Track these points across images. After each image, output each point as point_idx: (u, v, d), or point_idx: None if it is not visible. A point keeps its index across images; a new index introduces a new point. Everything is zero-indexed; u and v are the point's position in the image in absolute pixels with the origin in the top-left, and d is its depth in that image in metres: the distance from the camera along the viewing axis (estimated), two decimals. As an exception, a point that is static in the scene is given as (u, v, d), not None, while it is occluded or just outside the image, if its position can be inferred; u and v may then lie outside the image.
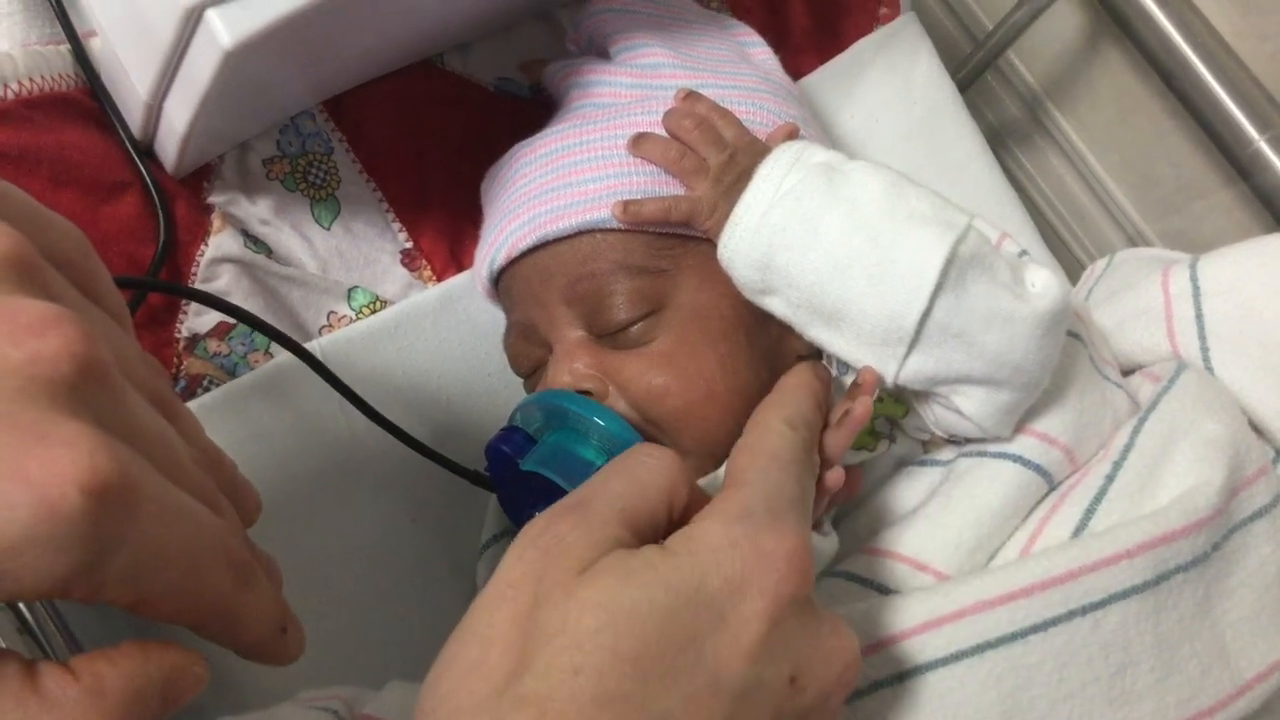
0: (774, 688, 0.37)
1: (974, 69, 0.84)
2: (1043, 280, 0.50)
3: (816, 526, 0.50)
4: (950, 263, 0.48)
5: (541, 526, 0.38)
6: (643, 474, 0.40)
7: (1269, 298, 0.57)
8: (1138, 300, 0.62)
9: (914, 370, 0.50)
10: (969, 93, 0.88)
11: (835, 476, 0.47)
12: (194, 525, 0.33)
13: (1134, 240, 0.84)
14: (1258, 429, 0.56)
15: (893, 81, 0.78)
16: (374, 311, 0.66)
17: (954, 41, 0.91)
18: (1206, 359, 0.58)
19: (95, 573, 0.29)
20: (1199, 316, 0.59)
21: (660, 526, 0.39)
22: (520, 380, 0.61)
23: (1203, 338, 0.58)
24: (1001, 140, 0.93)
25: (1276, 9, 0.70)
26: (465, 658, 0.36)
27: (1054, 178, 0.90)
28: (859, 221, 0.50)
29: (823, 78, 0.76)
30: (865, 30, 0.78)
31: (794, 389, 0.48)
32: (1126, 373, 0.60)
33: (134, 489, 0.30)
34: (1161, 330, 0.60)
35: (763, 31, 0.70)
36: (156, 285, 0.57)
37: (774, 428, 0.44)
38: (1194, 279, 0.60)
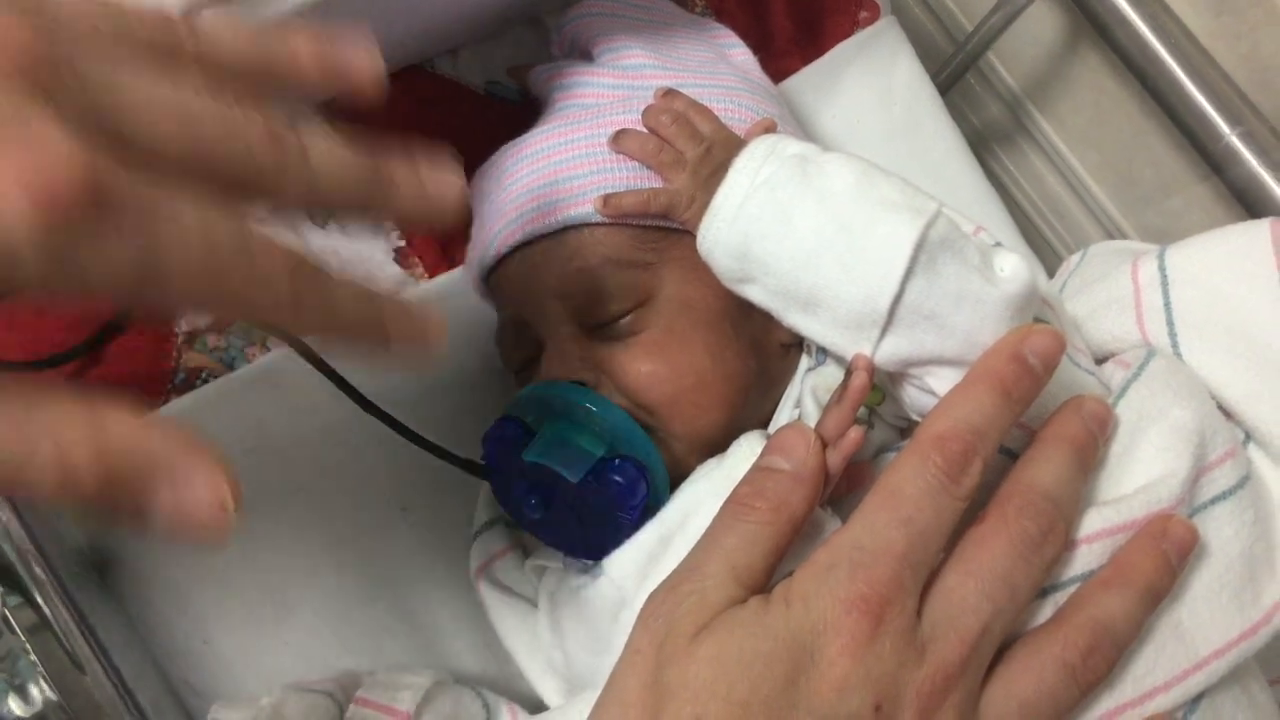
0: (860, 714, 0.41)
1: (955, 70, 0.85)
2: (1011, 264, 0.51)
3: None
4: (920, 247, 0.49)
5: (663, 595, 0.43)
6: (751, 528, 0.44)
7: (1235, 285, 0.57)
8: (1109, 290, 0.62)
9: (888, 352, 0.51)
10: (952, 94, 0.89)
11: (838, 460, 0.48)
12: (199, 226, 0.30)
13: (1113, 235, 0.84)
14: (1227, 411, 0.56)
15: (873, 83, 0.79)
16: None
17: (935, 43, 0.92)
18: (1175, 345, 0.58)
19: (69, 280, 0.27)
20: (1167, 304, 0.59)
21: (771, 568, 0.44)
22: (509, 376, 0.62)
23: (1170, 324, 0.58)
24: (984, 141, 0.94)
25: (1248, 9, 0.71)
26: (611, 713, 0.42)
27: (1035, 177, 0.91)
28: (832, 210, 0.51)
29: (805, 79, 0.78)
30: (846, 33, 0.80)
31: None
32: (1100, 360, 0.61)
33: (100, 192, 0.27)
34: (1131, 318, 0.60)
35: (746, 35, 0.71)
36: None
37: (909, 460, 0.45)
38: (1162, 268, 0.60)
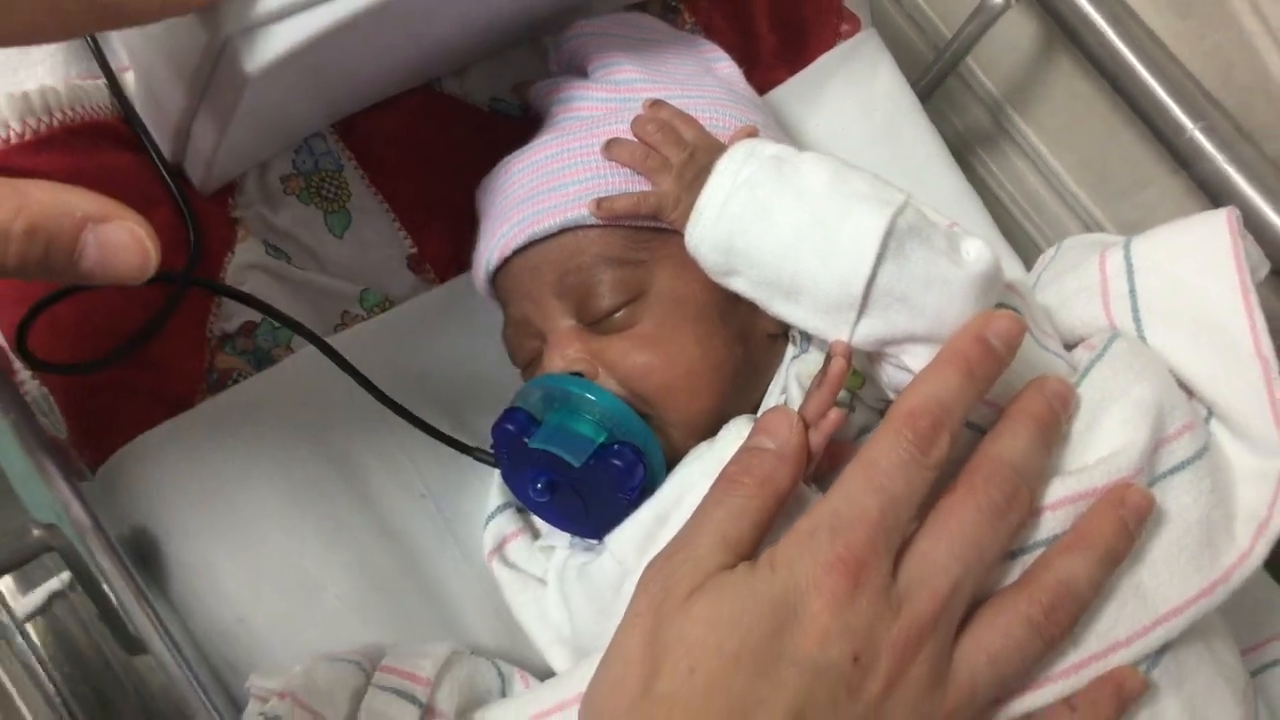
0: (841, 666, 0.44)
1: (935, 76, 0.88)
2: (976, 248, 0.54)
3: None
4: (889, 234, 0.52)
5: (660, 564, 0.47)
6: (739, 502, 0.48)
7: (1196, 271, 0.60)
8: (1078, 280, 0.65)
9: (865, 333, 0.54)
10: (935, 100, 0.92)
11: (819, 439, 0.51)
12: None
13: (1090, 229, 0.87)
14: (1189, 390, 0.59)
15: (855, 92, 0.82)
16: (384, 310, 0.70)
17: (917, 51, 0.95)
18: (1140, 329, 0.61)
19: None
20: (1132, 291, 0.62)
21: (759, 538, 0.48)
22: (517, 370, 0.65)
23: (1135, 310, 0.61)
24: (968, 144, 0.97)
25: (1211, 9, 0.74)
26: (612, 675, 0.46)
27: (1017, 176, 0.94)
28: (808, 204, 0.54)
29: (790, 90, 0.80)
30: (828, 45, 0.82)
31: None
32: (1070, 346, 0.63)
33: None
34: (1099, 305, 0.63)
35: (734, 49, 0.74)
36: (197, 281, 0.62)
37: (884, 435, 0.48)
38: (1128, 258, 0.63)
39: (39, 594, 0.60)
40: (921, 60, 0.90)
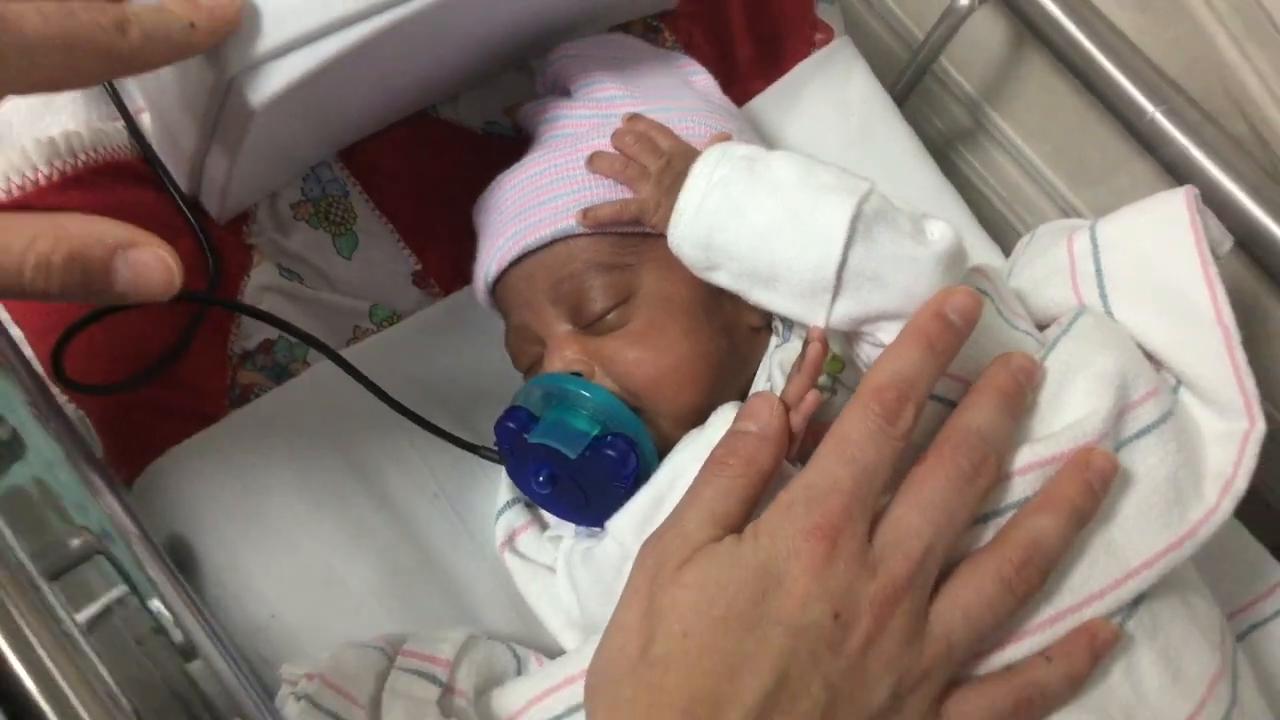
0: (822, 624, 0.47)
1: (911, 77, 0.90)
2: (939, 228, 0.57)
3: None
4: (857, 218, 0.55)
5: (654, 541, 0.50)
6: (725, 481, 0.51)
7: (1157, 248, 0.61)
8: (1049, 263, 0.67)
9: (841, 313, 0.56)
10: (915, 101, 0.94)
11: (799, 420, 0.54)
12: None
13: (1069, 215, 0.89)
14: (1157, 361, 0.61)
15: (831, 97, 0.85)
16: (392, 324, 0.73)
17: (894, 54, 0.98)
18: (1107, 305, 0.63)
19: None
20: (1098, 270, 0.63)
21: (746, 514, 0.50)
22: (518, 374, 0.68)
23: (1101, 287, 0.63)
24: (949, 141, 0.99)
25: (1168, 3, 0.76)
26: (613, 644, 0.49)
27: (997, 169, 0.96)
28: (779, 198, 0.57)
29: (769, 98, 0.83)
30: (803, 55, 0.85)
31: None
32: (1043, 326, 0.65)
33: None
34: (1068, 285, 0.65)
35: (713, 63, 0.78)
36: (218, 301, 0.66)
37: (853, 410, 0.51)
38: (1093, 239, 0.64)
39: (95, 605, 0.63)
40: (898, 63, 0.93)
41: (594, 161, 0.64)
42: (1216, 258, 0.62)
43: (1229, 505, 0.55)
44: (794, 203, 0.57)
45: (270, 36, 0.52)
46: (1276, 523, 0.85)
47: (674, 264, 0.61)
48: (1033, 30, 0.82)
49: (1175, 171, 0.75)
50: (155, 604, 0.51)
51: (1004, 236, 0.88)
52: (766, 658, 0.46)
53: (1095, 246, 0.65)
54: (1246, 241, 0.71)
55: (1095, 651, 0.52)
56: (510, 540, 0.69)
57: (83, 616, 0.57)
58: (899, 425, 0.50)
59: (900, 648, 0.48)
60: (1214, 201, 0.71)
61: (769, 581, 0.47)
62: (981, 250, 0.84)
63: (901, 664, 0.48)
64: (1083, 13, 0.79)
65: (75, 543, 0.51)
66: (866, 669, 0.48)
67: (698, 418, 0.62)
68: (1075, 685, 0.52)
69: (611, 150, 0.64)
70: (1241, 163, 0.73)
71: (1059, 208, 0.92)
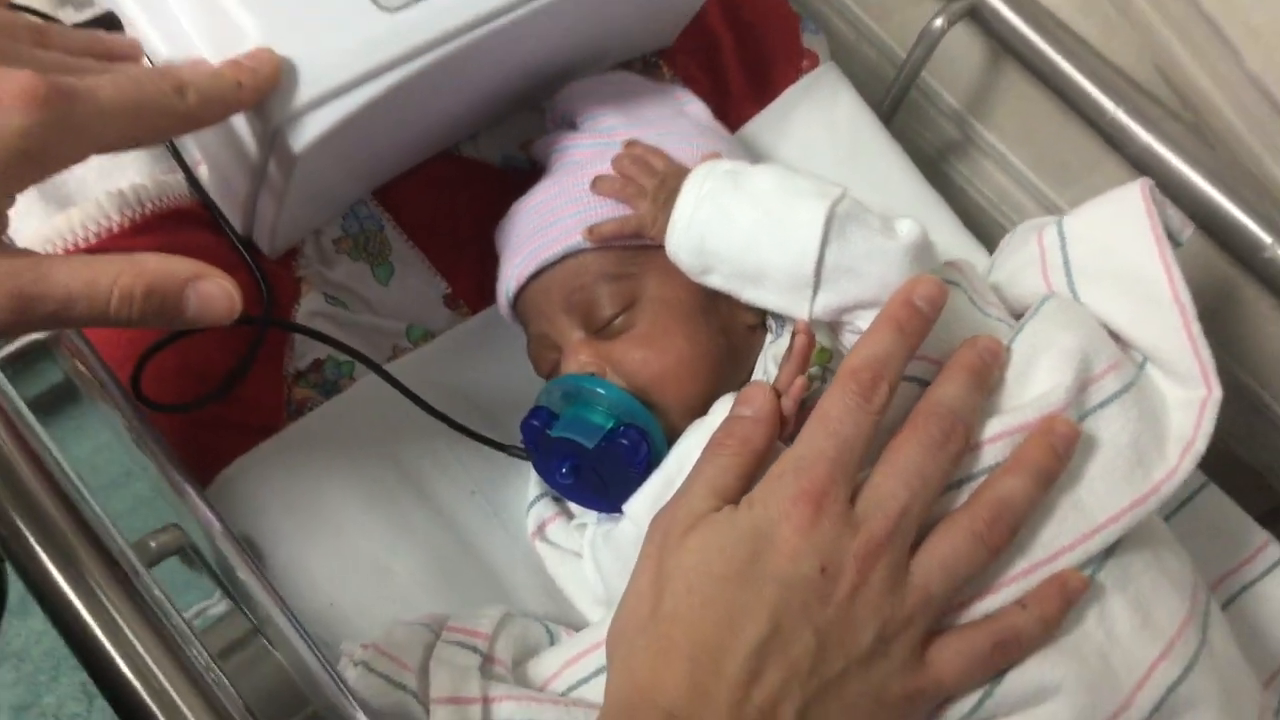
0: (810, 576, 0.51)
1: (896, 94, 0.94)
2: (907, 225, 0.62)
3: None
4: (830, 219, 0.60)
5: (662, 514, 0.55)
6: (724, 459, 0.55)
7: (1118, 236, 0.65)
8: (1022, 257, 0.71)
9: (822, 305, 0.62)
10: (906, 119, 0.98)
11: (789, 404, 0.58)
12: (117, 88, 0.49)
13: (1053, 213, 0.90)
14: (1123, 340, 0.64)
15: (819, 119, 0.89)
16: (427, 342, 0.78)
17: (882, 72, 1.01)
18: (1074, 291, 0.66)
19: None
20: (1066, 260, 0.67)
21: (743, 488, 0.54)
22: (541, 380, 0.72)
23: (1069, 275, 0.67)
24: (941, 154, 1.03)
25: (1124, 13, 0.79)
26: (629, 605, 0.53)
27: (986, 176, 1.00)
28: (761, 204, 0.63)
29: (761, 122, 0.89)
30: (792, 80, 0.90)
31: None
32: (1019, 315, 0.68)
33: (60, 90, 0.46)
34: (1039, 275, 0.69)
35: (709, 93, 0.83)
36: (276, 322, 0.71)
37: (833, 390, 0.55)
38: (1060, 232, 0.68)
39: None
40: (887, 81, 0.97)
41: (597, 184, 0.70)
42: (1179, 244, 0.65)
43: (1189, 464, 0.58)
44: (774, 208, 0.63)
45: (307, 90, 0.57)
46: (1266, 491, 0.89)
47: (673, 271, 0.67)
48: (1004, 45, 0.87)
49: (1140, 165, 0.80)
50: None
51: (996, 238, 0.90)
52: (762, 609, 0.50)
53: (1062, 239, 0.69)
54: (1209, 225, 0.76)
55: (1066, 597, 0.55)
56: (541, 530, 0.74)
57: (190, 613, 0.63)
58: (874, 401, 0.54)
59: (883, 597, 0.52)
60: (1176, 189, 0.76)
61: (762, 543, 0.51)
62: (969, 251, 0.88)
63: (885, 611, 0.51)
64: (1048, 26, 0.84)
65: (166, 538, 0.58)
66: (853, 616, 0.51)
67: (701, 408, 0.66)
68: (1049, 629, 0.54)
69: (612, 173, 0.70)
70: (1202, 154, 0.77)
71: (1044, 207, 0.95)
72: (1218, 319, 0.84)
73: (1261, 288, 0.79)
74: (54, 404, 0.60)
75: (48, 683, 1.24)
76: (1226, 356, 0.82)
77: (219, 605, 0.59)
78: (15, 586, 1.11)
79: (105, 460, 0.62)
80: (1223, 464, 0.70)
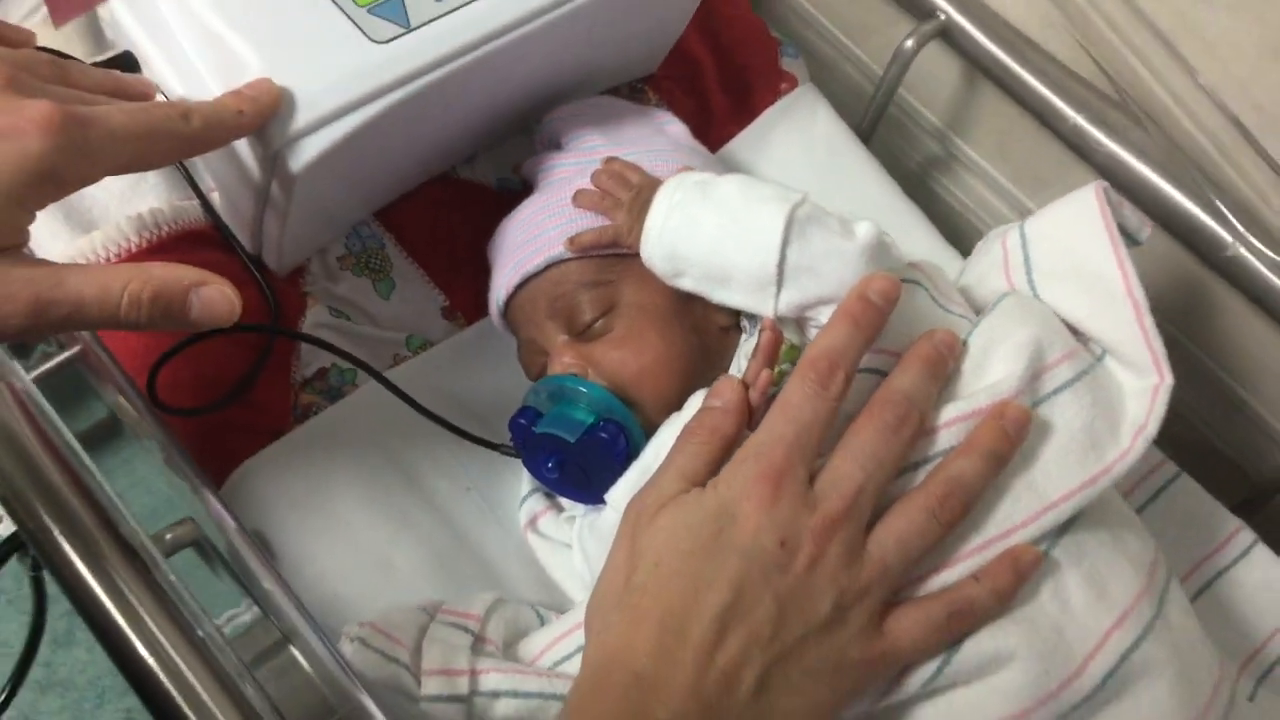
0: (769, 549, 0.53)
1: (875, 112, 0.97)
2: (864, 227, 0.65)
3: None
4: (791, 222, 0.63)
5: (636, 498, 0.57)
6: (694, 447, 0.57)
7: (1074, 236, 0.67)
8: (988, 259, 0.73)
9: (785, 302, 0.64)
10: (887, 134, 1.01)
11: (756, 395, 0.60)
12: (127, 116, 0.53)
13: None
14: (1082, 335, 0.65)
15: (798, 137, 0.93)
16: (425, 350, 0.81)
17: (863, 90, 1.04)
18: (1034, 289, 0.68)
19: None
20: (1027, 260, 0.69)
21: (711, 473, 0.57)
22: (532, 384, 0.74)
23: (1029, 273, 0.69)
24: (925, 170, 1.05)
25: (1087, 29, 0.83)
26: (605, 580, 0.56)
27: (968, 189, 1.02)
28: (726, 210, 0.66)
29: (742, 142, 0.92)
30: (771, 101, 0.94)
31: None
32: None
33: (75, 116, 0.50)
34: (1002, 275, 0.71)
35: (691, 115, 0.87)
36: (284, 331, 0.75)
37: (793, 380, 0.57)
38: (1022, 234, 0.70)
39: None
40: (867, 100, 1.00)
41: (578, 198, 0.73)
42: (1138, 243, 0.68)
43: (1141, 445, 0.60)
44: (739, 214, 0.66)
45: (304, 116, 0.60)
46: (1242, 480, 0.91)
47: (648, 277, 0.70)
48: (975, 64, 0.90)
49: (1105, 171, 0.83)
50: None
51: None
52: (724, 578, 0.52)
53: (1024, 240, 0.71)
54: (1172, 226, 0.79)
55: (1019, 571, 0.57)
56: (532, 523, 0.77)
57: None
58: (831, 389, 0.56)
59: (839, 569, 0.54)
60: (1138, 192, 0.79)
61: (725, 520, 0.54)
62: (947, 260, 0.90)
63: (841, 582, 0.54)
64: (1016, 45, 0.87)
65: (181, 531, 0.62)
66: (811, 585, 0.53)
67: (676, 403, 0.69)
68: (1003, 600, 0.56)
69: (591, 188, 0.73)
70: (1164, 159, 0.80)
71: (1023, 216, 0.95)
72: (1192, 317, 0.87)
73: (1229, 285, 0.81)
74: (98, 436, 0.63)
75: (93, 710, 1.27)
76: (1202, 353, 0.87)
77: (229, 587, 0.63)
78: (58, 623, 1.16)
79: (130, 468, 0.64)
80: (1201, 455, 0.72)
